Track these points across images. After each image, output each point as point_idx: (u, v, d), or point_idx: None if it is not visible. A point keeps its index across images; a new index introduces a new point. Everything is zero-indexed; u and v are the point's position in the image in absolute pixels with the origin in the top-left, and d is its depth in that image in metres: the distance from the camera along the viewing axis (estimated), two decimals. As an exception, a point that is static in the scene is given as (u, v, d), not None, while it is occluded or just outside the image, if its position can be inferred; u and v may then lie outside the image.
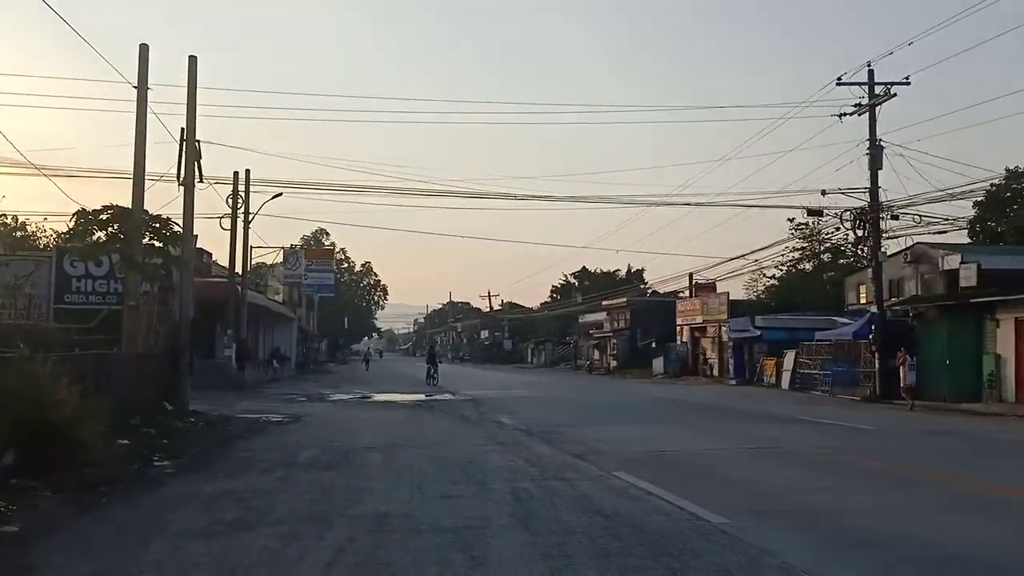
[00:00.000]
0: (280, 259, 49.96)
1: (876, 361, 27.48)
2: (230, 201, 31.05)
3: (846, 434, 15.44)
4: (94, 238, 15.49)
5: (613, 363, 60.02)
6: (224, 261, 33.62)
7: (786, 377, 35.64)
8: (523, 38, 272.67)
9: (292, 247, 51.05)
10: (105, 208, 15.36)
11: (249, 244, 33.97)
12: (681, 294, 56.47)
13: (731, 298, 47.03)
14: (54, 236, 33.42)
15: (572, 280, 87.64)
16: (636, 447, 12.55)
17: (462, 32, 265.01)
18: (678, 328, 50.85)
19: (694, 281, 50.89)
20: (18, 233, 40.91)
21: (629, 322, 60.29)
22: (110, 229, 15.61)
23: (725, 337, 44.04)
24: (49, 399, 9.79)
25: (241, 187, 31.37)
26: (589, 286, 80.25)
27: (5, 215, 37.45)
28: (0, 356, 9.67)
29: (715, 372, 45.48)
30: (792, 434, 15.00)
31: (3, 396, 9.22)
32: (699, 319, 47.63)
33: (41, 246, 34.42)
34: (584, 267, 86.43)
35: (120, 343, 15.52)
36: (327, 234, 79.72)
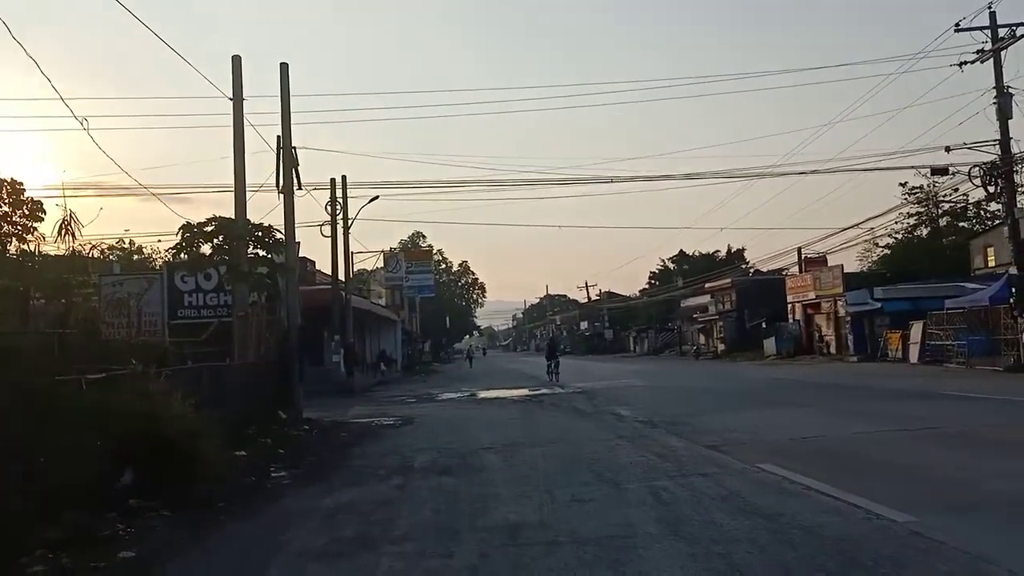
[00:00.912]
0: (380, 263, 50.48)
1: (1019, 327, 25.23)
2: (329, 208, 31.29)
3: (1012, 409, 13.92)
4: (200, 251, 15.53)
5: (721, 347, 58.16)
6: (327, 268, 33.98)
7: (914, 350, 33.39)
8: (600, 14, 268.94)
9: (391, 250, 51.46)
10: (209, 220, 15.39)
11: (350, 250, 34.23)
12: (787, 271, 54.13)
13: (844, 271, 44.55)
14: (164, 253, 34.55)
15: (670, 265, 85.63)
16: (773, 434, 11.52)
17: (538, 17, 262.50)
18: (789, 306, 48.63)
19: (803, 256, 48.60)
20: (136, 256, 42.73)
21: (735, 303, 58.20)
22: (215, 241, 15.61)
23: (842, 312, 41.77)
24: (164, 414, 9.61)
25: (338, 193, 31.52)
26: (688, 270, 78.18)
27: (122, 240, 39.16)
28: (113, 374, 9.52)
29: (832, 349, 43.22)
30: (945, 411, 13.61)
31: (118, 414, 9.07)
32: (811, 295, 45.38)
33: (156, 267, 35.71)
34: (681, 250, 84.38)
35: (231, 354, 15.51)
36: (423, 236, 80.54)
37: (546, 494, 7.78)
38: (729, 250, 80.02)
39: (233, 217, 15.84)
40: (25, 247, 14.04)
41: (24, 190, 17.83)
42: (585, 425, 14.82)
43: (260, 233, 15.94)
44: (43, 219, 18.24)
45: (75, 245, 9.25)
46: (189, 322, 18.69)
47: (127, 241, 41.24)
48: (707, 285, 63.16)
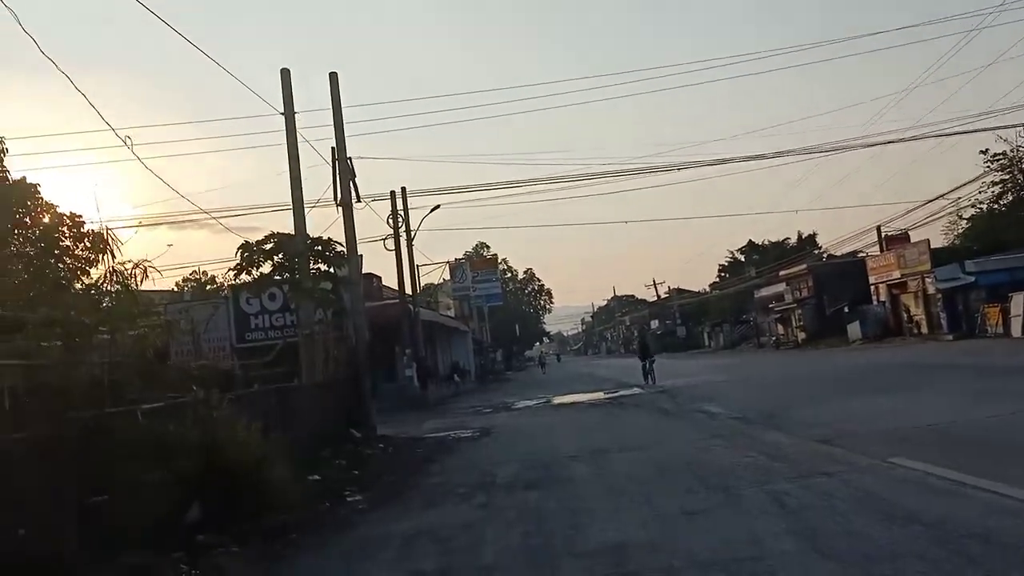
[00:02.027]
0: (445, 274, 50.11)
1: None
2: (391, 221, 30.89)
3: None
4: (260, 270, 15.08)
5: (801, 335, 55.95)
6: (393, 283, 33.59)
7: (1016, 323, 31.18)
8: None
9: (456, 260, 51.05)
10: (268, 237, 14.94)
11: (414, 262, 33.80)
12: (864, 253, 51.76)
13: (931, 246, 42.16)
14: (226, 275, 34.70)
15: (739, 256, 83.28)
16: (890, 423, 10.32)
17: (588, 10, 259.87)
18: (872, 288, 46.34)
19: (883, 234, 46.31)
20: (209, 287, 43.28)
21: (813, 289, 55.91)
22: (275, 258, 15.16)
23: (931, 289, 39.49)
24: (228, 442, 9.02)
25: (399, 205, 31.11)
26: (758, 260, 75.84)
27: (196, 271, 39.71)
28: (173, 402, 8.99)
29: (923, 329, 40.90)
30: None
31: (179, 444, 8.52)
32: (896, 274, 43.10)
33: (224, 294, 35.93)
34: (750, 240, 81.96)
35: (299, 375, 15.00)
36: (487, 246, 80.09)
37: (647, 506, 6.87)
38: (800, 236, 77.37)
39: (292, 233, 15.36)
40: (88, 280, 13.78)
41: (84, 223, 17.80)
42: (674, 426, 13.81)
43: (320, 247, 15.42)
44: (105, 251, 18.12)
45: (115, 264, 8.64)
46: (257, 345, 18.33)
47: (200, 271, 41.77)
48: (781, 273, 60.97)
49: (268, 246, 14.84)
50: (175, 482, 8.35)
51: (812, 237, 75.58)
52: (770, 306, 63.56)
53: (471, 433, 16.74)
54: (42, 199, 18.64)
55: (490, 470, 10.63)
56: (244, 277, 15.06)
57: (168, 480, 8.24)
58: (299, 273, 15.94)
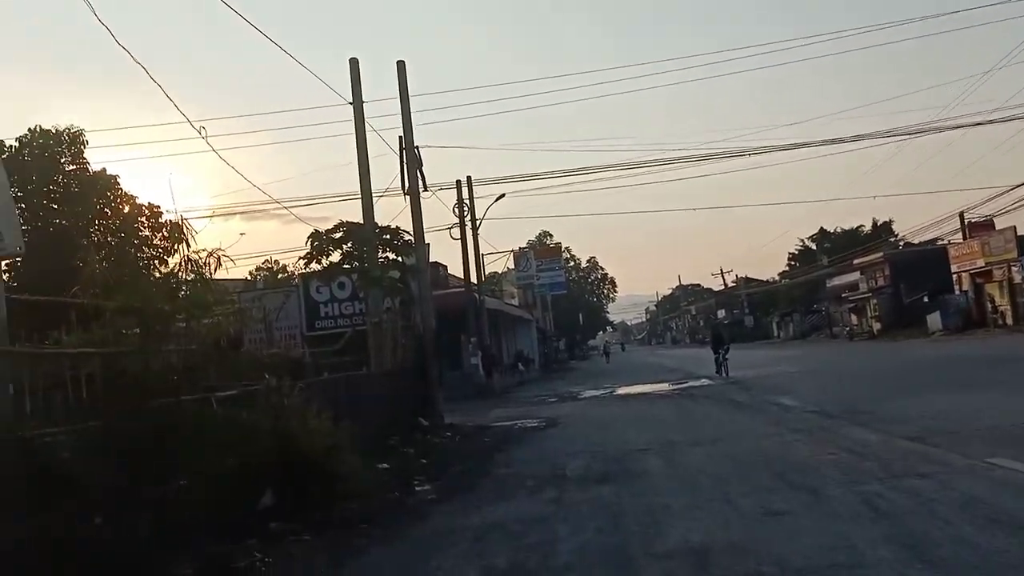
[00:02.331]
0: (510, 263, 50.06)
1: None
2: (456, 211, 30.92)
3: None
4: (330, 259, 15.18)
5: (876, 326, 54.12)
6: (458, 272, 33.65)
7: (1113, 315, 29.53)
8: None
9: (520, 249, 50.93)
10: (337, 226, 15.03)
11: (480, 251, 33.77)
12: (942, 240, 49.75)
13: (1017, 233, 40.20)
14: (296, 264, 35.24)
15: (810, 244, 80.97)
16: (986, 420, 9.76)
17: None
18: (954, 276, 44.49)
19: (966, 221, 44.41)
20: (281, 276, 44.14)
21: (889, 278, 54.01)
22: (344, 247, 15.23)
23: (1018, 278, 37.70)
24: (300, 430, 9.04)
25: (465, 194, 31.11)
26: (829, 248, 73.59)
27: (268, 261, 40.58)
28: (245, 390, 9.04)
29: (1008, 320, 39.09)
30: None
31: (252, 432, 8.56)
32: (980, 262, 41.29)
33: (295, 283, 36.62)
34: (821, 228, 79.55)
35: (368, 363, 15.06)
36: (551, 235, 79.75)
37: (727, 505, 6.58)
38: (875, 223, 74.76)
39: (360, 222, 15.40)
40: (167, 269, 14.04)
41: (162, 213, 18.21)
42: (747, 419, 13.39)
43: (388, 236, 15.43)
44: (181, 241, 18.46)
45: (190, 253, 8.70)
46: (326, 333, 18.52)
47: (272, 261, 42.64)
48: (856, 261, 59.08)
49: (337, 235, 14.92)
50: (248, 470, 8.41)
51: (888, 224, 73.03)
52: (843, 295, 61.71)
53: (537, 423, 16.58)
54: (121, 190, 19.23)
55: (560, 462, 10.45)
56: (314, 266, 15.17)
57: (242, 468, 8.30)
58: (367, 262, 16.01)
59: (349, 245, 15.09)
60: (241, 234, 10.99)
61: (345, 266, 15.53)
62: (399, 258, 15.97)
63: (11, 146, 17.63)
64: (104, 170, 18.35)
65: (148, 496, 6.76)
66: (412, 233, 17.70)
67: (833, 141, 45.04)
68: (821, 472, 7.57)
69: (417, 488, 10.18)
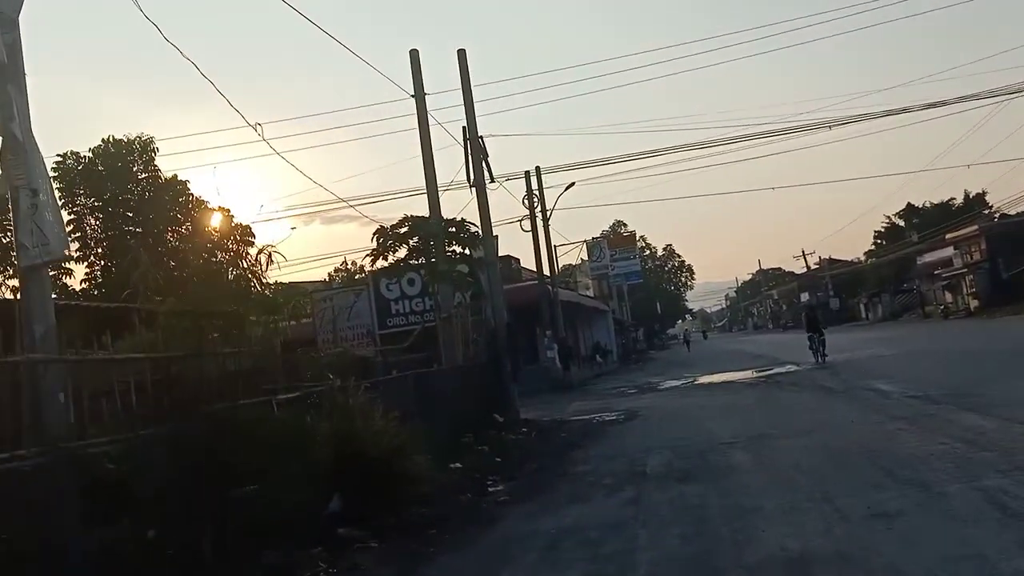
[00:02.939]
0: (583, 254, 49.41)
1: None
2: (526, 202, 30.47)
3: None
4: (396, 255, 14.90)
5: (973, 303, 51.32)
6: (531, 265, 33.22)
7: None
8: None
9: (594, 239, 50.15)
10: (402, 221, 14.71)
11: (551, 242, 33.23)
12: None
13: None
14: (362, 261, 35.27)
15: (898, 221, 77.54)
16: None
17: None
18: (1060, 247, 41.72)
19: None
20: (357, 276, 44.62)
21: (986, 253, 51.16)
22: (410, 242, 14.93)
23: None
24: (364, 431, 8.72)
25: (534, 185, 30.64)
26: (919, 224, 70.26)
27: (345, 263, 41.15)
28: (308, 390, 8.77)
29: (1125, 293, 36.39)
30: None
31: (318, 437, 8.28)
32: (1090, 231, 38.56)
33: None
34: (909, 203, 76.13)
35: (439, 359, 14.75)
36: (624, 224, 78.65)
37: (827, 505, 5.90)
38: (967, 196, 71.11)
39: (425, 216, 15.08)
40: (240, 272, 14.02)
41: (233, 217, 18.32)
42: (842, 406, 12.50)
43: (454, 229, 15.05)
44: (253, 243, 18.54)
45: (243, 252, 8.49)
46: (398, 330, 18.32)
47: (350, 262, 43.20)
48: (948, 236, 56.16)
49: (403, 230, 14.61)
50: (313, 474, 8.12)
51: (981, 196, 69.28)
52: (935, 272, 58.78)
53: (616, 416, 15.98)
54: (192, 195, 19.45)
55: (639, 458, 9.86)
56: (381, 263, 14.91)
57: (306, 472, 8.02)
58: (434, 256, 15.69)
59: (415, 240, 14.76)
60: (292, 228, 10.84)
61: (412, 261, 15.21)
62: (467, 251, 15.56)
63: (85, 156, 17.98)
64: (175, 176, 18.54)
65: (205, 506, 6.50)
66: (479, 225, 17.32)
67: (931, 105, 41.01)
68: (932, 465, 6.79)
69: (490, 489, 9.77)
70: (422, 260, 15.35)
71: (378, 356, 13.33)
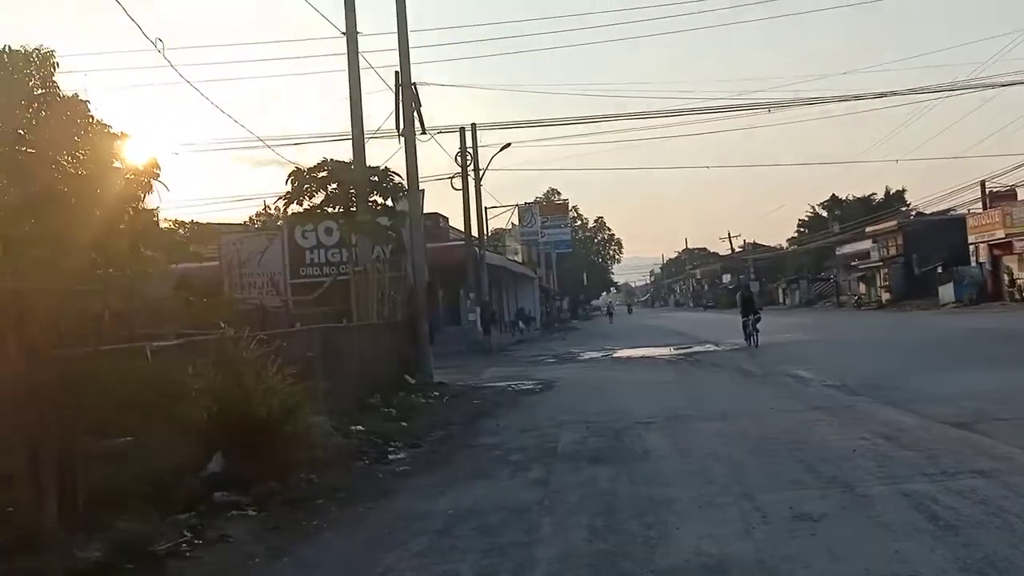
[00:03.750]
0: (515, 219, 48.73)
1: None
2: (459, 159, 29.55)
3: None
4: (313, 200, 13.93)
5: (886, 296, 52.88)
6: (459, 225, 32.40)
7: None
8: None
9: (526, 204, 49.48)
10: (321, 164, 13.71)
11: (482, 204, 32.41)
12: (954, 210, 48.17)
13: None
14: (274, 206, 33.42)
15: (821, 211, 79.33)
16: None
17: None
18: (971, 248, 43.07)
19: (987, 190, 42.84)
20: (280, 223, 42.83)
21: (902, 248, 52.58)
22: (329, 188, 13.97)
23: (1040, 252, 36.32)
24: (256, 388, 7.93)
25: (468, 142, 29.70)
26: (840, 216, 71.99)
27: (266, 207, 39.29)
28: (192, 341, 7.91)
29: (1026, 295, 37.83)
30: None
31: (199, 391, 7.46)
32: (1000, 233, 39.84)
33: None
34: (833, 195, 77.80)
35: (350, 315, 13.93)
36: (558, 193, 78.20)
37: (747, 502, 5.44)
38: (887, 192, 73.08)
39: (346, 161, 14.11)
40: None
41: (135, 144, 16.91)
42: (761, 391, 12.27)
43: (376, 178, 14.15)
44: (158, 175, 17.18)
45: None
46: (311, 280, 17.35)
47: (271, 206, 41.37)
48: (868, 229, 57.55)
49: (321, 174, 13.63)
50: (191, 432, 7.33)
51: (900, 193, 71.33)
52: (853, 264, 60.36)
53: (532, 385, 15.50)
54: (93, 118, 17.89)
55: (551, 433, 9.34)
56: (295, 208, 13.93)
57: (180, 429, 7.23)
58: (355, 205, 14.79)
59: (334, 186, 13.81)
60: (175, 153, 9.79)
61: (328, 209, 14.27)
62: (390, 203, 14.70)
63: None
64: (76, 95, 16.97)
65: (54, 467, 5.65)
66: (406, 177, 16.45)
67: (857, 97, 41.36)
68: (855, 463, 6.43)
69: (390, 457, 9.12)
70: (340, 208, 14.42)
71: (284, 307, 12.44)
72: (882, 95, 27.39)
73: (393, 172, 14.62)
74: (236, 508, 6.78)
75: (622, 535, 4.88)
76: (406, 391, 14.42)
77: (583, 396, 13.27)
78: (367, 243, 15.44)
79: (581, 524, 5.18)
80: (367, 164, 15.30)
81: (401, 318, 16.24)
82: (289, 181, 13.55)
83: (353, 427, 10.52)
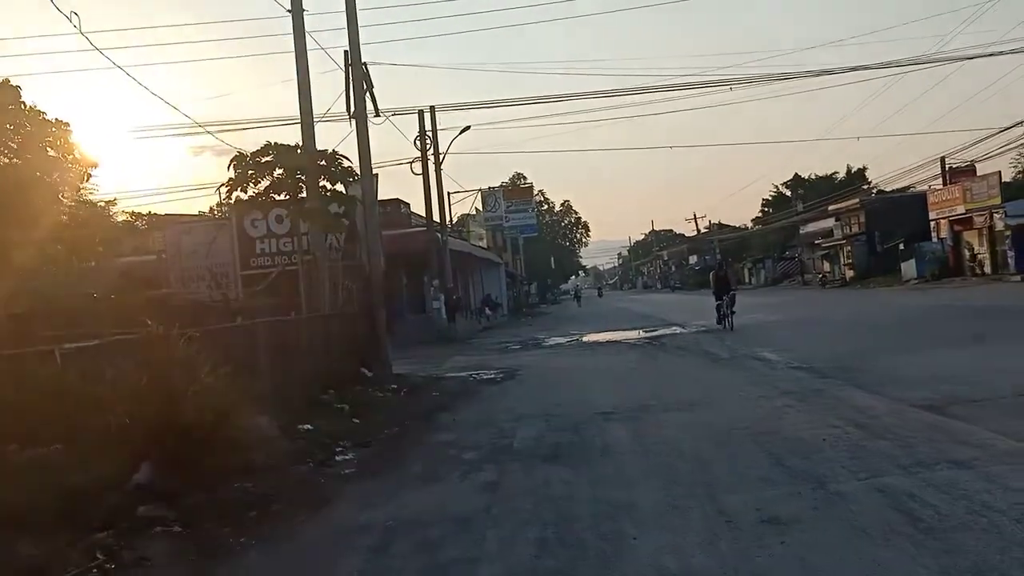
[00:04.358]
0: (479, 204, 48.14)
1: None
2: (418, 143, 28.84)
3: None
4: (259, 186, 13.20)
5: (849, 273, 53.24)
6: (422, 211, 31.69)
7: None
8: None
9: (489, 189, 48.81)
10: (264, 149, 12.99)
11: (444, 188, 31.73)
12: (914, 187, 48.59)
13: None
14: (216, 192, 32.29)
15: (784, 190, 79.78)
16: (1007, 382, 8.27)
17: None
18: (932, 224, 43.35)
19: (947, 166, 43.08)
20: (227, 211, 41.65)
21: (864, 225, 52.91)
22: (275, 174, 13.26)
23: (1000, 225, 36.56)
24: (185, 389, 7.34)
25: (428, 126, 28.99)
26: (804, 194, 72.46)
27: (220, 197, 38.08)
28: (113, 341, 7.28)
29: (986, 269, 38.14)
30: None
31: (121, 395, 6.86)
32: (960, 209, 40.11)
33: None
34: (796, 174, 78.49)
35: (301, 307, 13.29)
36: (524, 177, 77.60)
37: (711, 505, 4.99)
38: (849, 170, 73.75)
39: (292, 144, 13.41)
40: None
41: (71, 131, 16.11)
42: (727, 376, 11.89)
43: (324, 162, 13.48)
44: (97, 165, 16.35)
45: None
46: (262, 272, 16.63)
47: (222, 195, 40.22)
48: (831, 207, 57.83)
49: (265, 159, 12.93)
50: (111, 441, 6.74)
51: (862, 171, 71.96)
52: (817, 242, 60.70)
53: (494, 375, 15.01)
54: (25, 104, 16.98)
55: (508, 428, 8.86)
56: (240, 195, 13.22)
57: (101, 439, 6.63)
58: (306, 191, 14.12)
59: (279, 171, 13.12)
60: (117, 141, 9.09)
61: (276, 196, 13.56)
62: (336, 186, 14.02)
63: None
64: (7, 80, 16.06)
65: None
66: (359, 161, 15.79)
67: (821, 72, 40.98)
68: (826, 455, 6.01)
69: (337, 458, 8.58)
70: (288, 195, 13.73)
71: (224, 301, 11.77)
72: (853, 69, 26.89)
73: (342, 156, 13.94)
74: (162, 524, 6.20)
75: (574, 549, 4.40)
76: (363, 385, 13.86)
77: (545, 385, 12.81)
78: (319, 231, 14.79)
79: (530, 537, 4.68)
80: (317, 147, 14.62)
81: (357, 308, 15.63)
82: (231, 167, 12.83)
83: (301, 426, 9.97)
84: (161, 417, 7.12)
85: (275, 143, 12.97)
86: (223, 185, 12.87)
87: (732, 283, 21.99)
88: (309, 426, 10.08)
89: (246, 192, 13.07)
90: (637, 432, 7.82)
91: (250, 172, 12.63)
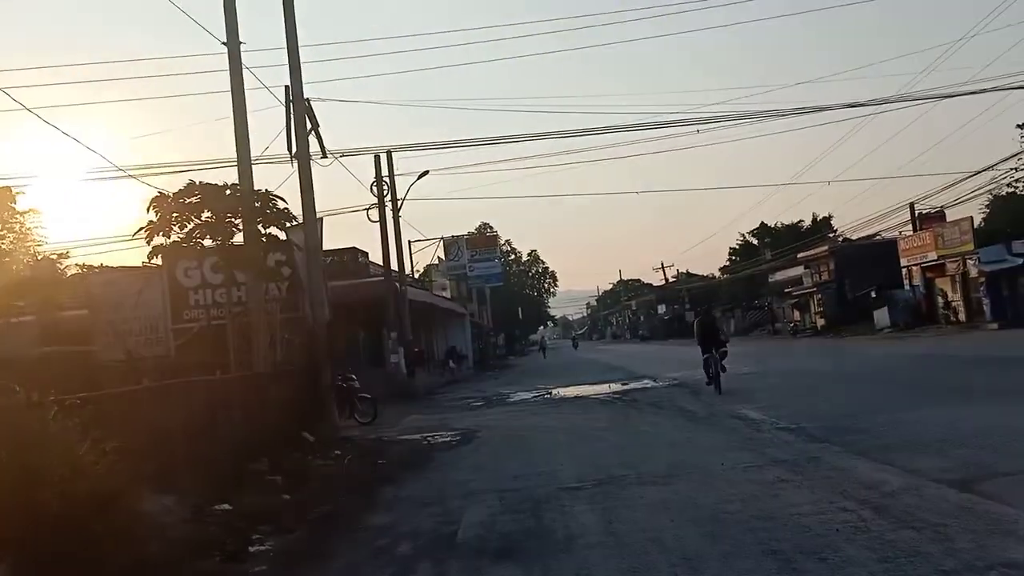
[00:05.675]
0: (441, 252, 46.98)
1: None
2: (374, 189, 27.69)
3: None
4: (184, 231, 11.88)
5: (820, 322, 52.69)
6: (381, 260, 30.37)
7: (1074, 312, 27.94)
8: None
9: (452, 237, 47.71)
10: (189, 189, 11.69)
11: (403, 236, 30.50)
12: (880, 235, 48.39)
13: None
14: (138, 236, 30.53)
15: (751, 239, 79.89)
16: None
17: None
18: (904, 271, 42.94)
19: (916, 212, 42.86)
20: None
21: (834, 273, 52.60)
22: (204, 216, 11.96)
23: (974, 272, 36.10)
24: (47, 473, 5.96)
25: (384, 171, 27.89)
26: (770, 243, 72.51)
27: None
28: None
29: (961, 316, 37.61)
30: None
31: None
32: (932, 256, 39.71)
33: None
34: (762, 223, 78.56)
35: (229, 365, 11.88)
36: (490, 227, 76.82)
37: (707, 635, 3.69)
38: (815, 218, 74.05)
39: (218, 184, 12.14)
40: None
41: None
42: (707, 439, 10.62)
43: (258, 203, 12.22)
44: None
45: None
46: (195, 325, 15.18)
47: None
48: (800, 255, 57.55)
49: (191, 200, 11.64)
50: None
51: (828, 219, 72.28)
52: (786, 291, 60.30)
53: (451, 437, 13.62)
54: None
55: (456, 508, 7.49)
56: (162, 240, 11.87)
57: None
58: (244, 236, 12.82)
59: (208, 214, 11.82)
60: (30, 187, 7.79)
61: (205, 242, 12.24)
62: (267, 227, 12.73)
63: None
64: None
65: None
66: (302, 204, 14.56)
67: (796, 111, 39.75)
68: (844, 552, 4.76)
69: (253, 548, 7.18)
70: (219, 241, 12.41)
71: (129, 359, 10.35)
72: (819, 109, 26.41)
73: (276, 196, 12.68)
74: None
75: None
76: (303, 451, 12.43)
77: (504, 451, 11.45)
78: (254, 280, 13.45)
79: None
80: (255, 190, 13.37)
81: (298, 365, 14.23)
82: (151, 209, 11.50)
83: (218, 506, 8.56)
84: (20, 507, 5.77)
85: (201, 182, 11.69)
86: (142, 229, 11.51)
87: (723, 333, 19.11)
88: (227, 505, 8.67)
89: (169, 236, 11.72)
90: (607, 515, 6.49)
91: (173, 215, 11.30)
